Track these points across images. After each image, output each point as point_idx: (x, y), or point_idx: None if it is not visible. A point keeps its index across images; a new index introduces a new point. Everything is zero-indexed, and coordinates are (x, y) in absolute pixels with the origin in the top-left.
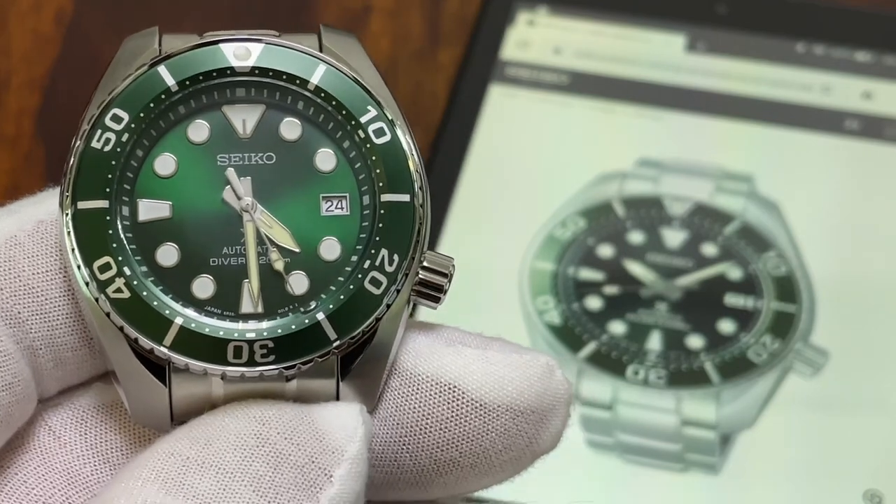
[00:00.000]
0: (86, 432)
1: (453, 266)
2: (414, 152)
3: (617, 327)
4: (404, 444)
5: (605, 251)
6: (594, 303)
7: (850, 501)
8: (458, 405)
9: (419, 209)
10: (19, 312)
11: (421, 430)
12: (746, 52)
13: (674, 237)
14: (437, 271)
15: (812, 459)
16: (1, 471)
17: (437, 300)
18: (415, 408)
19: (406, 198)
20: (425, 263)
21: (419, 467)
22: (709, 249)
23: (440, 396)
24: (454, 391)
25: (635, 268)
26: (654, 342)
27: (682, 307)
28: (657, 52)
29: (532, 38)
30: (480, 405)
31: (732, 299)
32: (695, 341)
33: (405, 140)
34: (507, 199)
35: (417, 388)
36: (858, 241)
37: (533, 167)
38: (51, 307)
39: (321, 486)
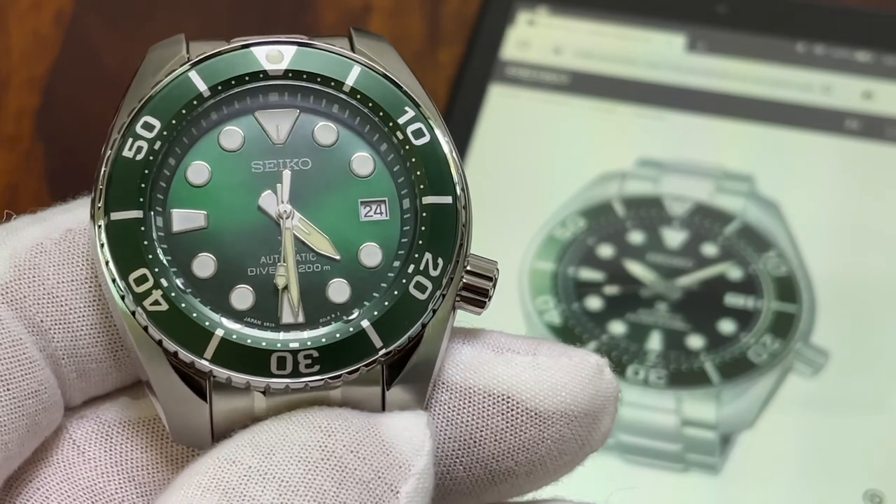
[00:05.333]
0: (111, 448)
1: (497, 270)
2: (454, 153)
3: (617, 327)
4: (458, 459)
5: (605, 251)
6: (594, 303)
7: (850, 501)
8: (513, 415)
9: (462, 211)
10: (42, 321)
11: (475, 443)
12: (746, 52)
13: (674, 237)
14: (482, 275)
15: (812, 459)
16: (23, 484)
17: (481, 305)
18: (468, 421)
19: (448, 199)
20: (469, 268)
21: (473, 479)
22: (709, 249)
23: (494, 408)
24: (508, 402)
25: (635, 268)
26: (654, 342)
27: (682, 307)
28: (657, 52)
29: (532, 38)
30: (536, 414)
31: (732, 299)
32: (695, 341)
33: (444, 141)
34: (506, 199)
35: (469, 402)
36: (858, 241)
37: (533, 167)
38: (75, 317)
39: None
